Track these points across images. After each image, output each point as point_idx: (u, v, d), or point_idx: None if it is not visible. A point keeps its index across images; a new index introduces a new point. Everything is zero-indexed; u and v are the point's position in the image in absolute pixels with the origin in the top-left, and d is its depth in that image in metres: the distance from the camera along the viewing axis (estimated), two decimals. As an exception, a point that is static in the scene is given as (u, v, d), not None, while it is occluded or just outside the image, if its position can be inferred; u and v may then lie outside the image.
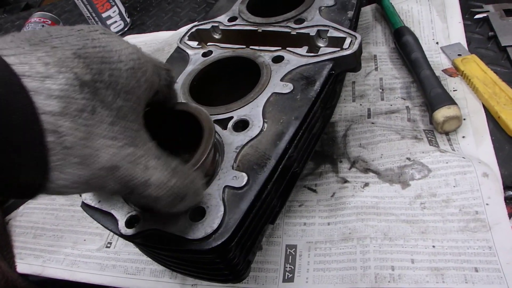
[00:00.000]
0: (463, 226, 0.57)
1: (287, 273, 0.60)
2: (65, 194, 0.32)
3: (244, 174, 0.45)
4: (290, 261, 0.61)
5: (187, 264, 0.51)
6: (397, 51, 0.86)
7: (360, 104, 0.79)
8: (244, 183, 0.45)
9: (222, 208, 0.43)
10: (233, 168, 0.47)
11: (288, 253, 0.62)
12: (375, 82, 0.82)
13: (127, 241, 0.59)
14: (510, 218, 0.57)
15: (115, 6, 1.20)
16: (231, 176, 0.45)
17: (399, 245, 0.58)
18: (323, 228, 0.63)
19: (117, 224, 0.46)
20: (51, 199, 0.85)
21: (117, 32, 1.26)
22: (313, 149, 0.64)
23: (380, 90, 0.80)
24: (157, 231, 0.43)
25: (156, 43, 1.13)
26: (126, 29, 1.27)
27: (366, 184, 0.66)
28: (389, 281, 0.55)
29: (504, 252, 0.53)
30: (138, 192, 0.35)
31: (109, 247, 0.72)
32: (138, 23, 1.30)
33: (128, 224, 0.45)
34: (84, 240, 0.74)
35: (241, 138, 0.50)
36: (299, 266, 0.60)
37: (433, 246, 0.56)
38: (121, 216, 0.46)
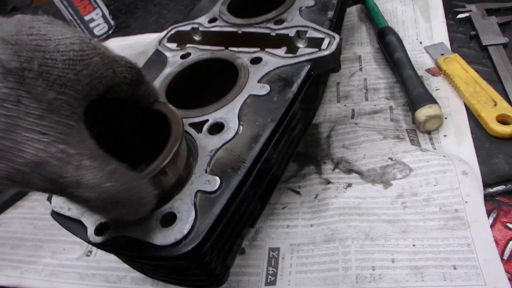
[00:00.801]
0: (443, 224, 0.57)
1: (269, 276, 0.60)
2: None
3: (217, 178, 0.45)
4: (273, 264, 0.61)
5: (165, 270, 0.51)
6: (381, 51, 0.86)
7: (345, 105, 0.79)
8: (216, 187, 0.44)
9: (193, 213, 0.42)
10: (206, 172, 0.46)
11: (271, 256, 0.62)
12: (359, 83, 0.82)
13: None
14: (489, 215, 0.57)
15: (98, 9, 1.19)
16: (204, 180, 0.45)
17: (380, 245, 0.58)
18: (306, 230, 0.63)
19: (87, 231, 0.45)
20: (30, 207, 0.83)
21: (101, 35, 1.25)
22: (294, 151, 0.64)
23: (364, 91, 0.80)
24: (127, 238, 0.43)
25: (141, 45, 1.12)
26: (110, 31, 1.26)
27: (349, 185, 0.66)
28: (369, 281, 0.55)
29: (482, 249, 0.54)
30: (68, 192, 0.33)
31: (89, 255, 0.71)
32: (123, 25, 1.29)
33: (97, 231, 0.45)
34: (64, 249, 0.73)
35: (216, 141, 0.49)
36: (281, 269, 0.60)
37: (413, 245, 0.56)
38: (90, 223, 0.46)
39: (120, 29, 1.28)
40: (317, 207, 0.65)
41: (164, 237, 0.41)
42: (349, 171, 0.67)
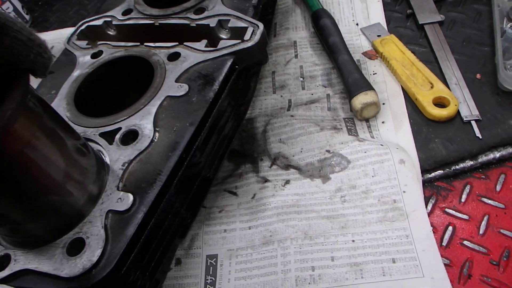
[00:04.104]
0: (382, 216, 0.57)
1: (208, 286, 0.59)
2: None
3: (129, 195, 0.42)
4: (211, 273, 0.60)
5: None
6: (316, 35, 0.84)
7: (281, 96, 0.78)
8: (129, 205, 0.42)
9: (103, 237, 0.40)
10: (118, 188, 0.44)
11: (208, 264, 0.61)
12: (295, 71, 0.81)
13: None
14: (428, 202, 0.58)
15: (8, 2, 1.10)
16: (116, 199, 0.42)
17: (319, 243, 0.57)
18: (244, 233, 0.62)
19: None
20: None
21: (16, 32, 1.17)
22: (226, 150, 0.62)
23: (301, 79, 0.79)
24: (31, 272, 0.40)
25: (60, 42, 1.06)
26: (26, 27, 1.19)
27: (287, 182, 0.65)
28: (309, 283, 0.55)
29: (420, 240, 0.55)
30: None
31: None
32: (40, 19, 1.21)
33: None
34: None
35: (129, 152, 0.47)
36: (220, 276, 0.59)
37: (353, 241, 0.57)
38: None
39: (36, 24, 1.20)
40: (255, 208, 0.63)
41: (71, 268, 0.38)
42: (287, 166, 0.66)
